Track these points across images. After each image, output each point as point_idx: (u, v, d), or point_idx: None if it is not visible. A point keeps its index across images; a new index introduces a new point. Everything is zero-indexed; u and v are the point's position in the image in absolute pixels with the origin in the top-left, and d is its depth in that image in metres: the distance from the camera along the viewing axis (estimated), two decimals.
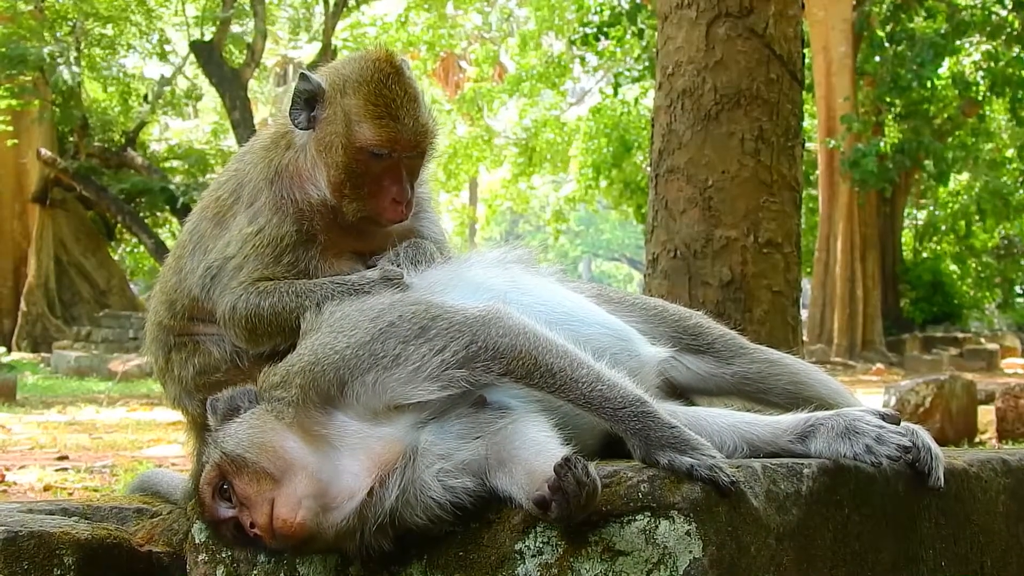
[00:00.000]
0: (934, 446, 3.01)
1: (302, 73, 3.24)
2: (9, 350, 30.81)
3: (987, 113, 36.82)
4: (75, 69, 31.56)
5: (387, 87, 3.16)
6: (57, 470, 8.13)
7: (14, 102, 30.69)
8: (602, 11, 29.11)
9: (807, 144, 20.54)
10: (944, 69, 32.80)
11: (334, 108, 3.17)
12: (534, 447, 2.65)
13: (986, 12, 31.14)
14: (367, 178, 3.16)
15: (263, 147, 3.33)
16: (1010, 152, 40.14)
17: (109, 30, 34.59)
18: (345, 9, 35.64)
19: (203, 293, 3.25)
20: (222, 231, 3.26)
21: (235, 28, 34.37)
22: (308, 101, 3.20)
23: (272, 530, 2.56)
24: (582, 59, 34.84)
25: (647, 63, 31.93)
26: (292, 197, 3.20)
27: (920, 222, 43.86)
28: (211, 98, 40.81)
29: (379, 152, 3.14)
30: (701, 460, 2.55)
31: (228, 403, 2.80)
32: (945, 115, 36.38)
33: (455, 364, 2.68)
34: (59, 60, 30.91)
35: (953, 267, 41.91)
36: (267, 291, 3.13)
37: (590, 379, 2.66)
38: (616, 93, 32.69)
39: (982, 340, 35.44)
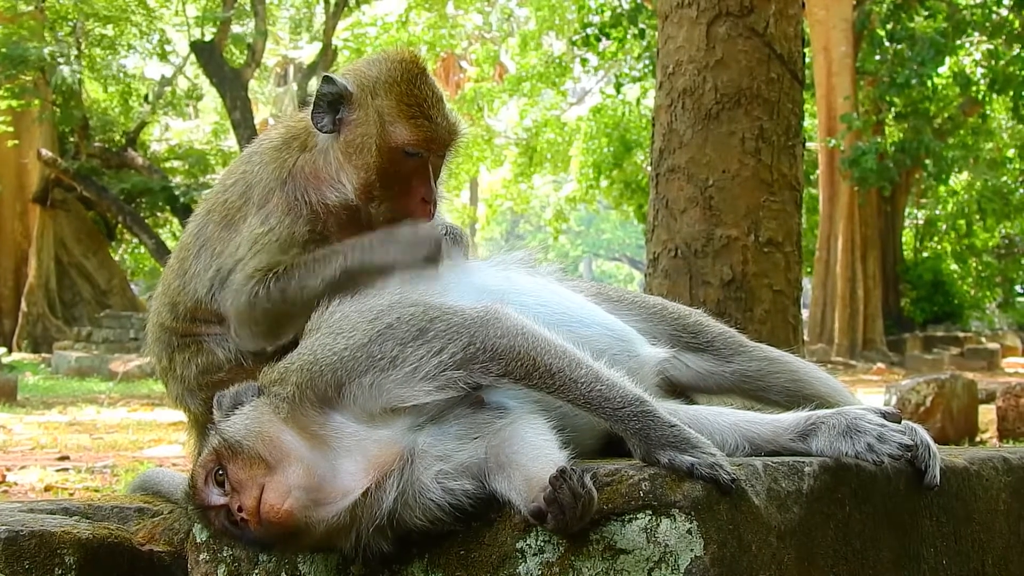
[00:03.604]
0: (933, 445, 3.01)
1: (326, 76, 3.20)
2: (10, 350, 30.83)
3: (988, 112, 36.81)
4: (76, 69, 31.55)
5: (417, 87, 3.18)
6: (58, 470, 8.13)
7: (15, 102, 30.76)
8: (603, 12, 29.08)
9: (808, 144, 20.52)
10: (945, 68, 32.77)
11: (364, 110, 3.15)
12: (532, 451, 2.64)
13: (986, 11, 31.12)
14: (397, 178, 3.16)
15: (273, 148, 3.29)
16: (1011, 152, 40.13)
17: (109, 30, 34.63)
18: (346, 9, 35.66)
19: (209, 296, 3.22)
20: (231, 234, 3.22)
21: (236, 28, 34.41)
22: (332, 104, 3.18)
23: (258, 515, 2.55)
24: (583, 60, 34.85)
25: (648, 62, 31.92)
26: (306, 199, 3.17)
27: (921, 221, 43.82)
28: (211, 98, 40.85)
29: (413, 152, 3.15)
30: (702, 458, 2.54)
31: (234, 398, 2.81)
32: (946, 114, 36.36)
33: (453, 365, 2.67)
34: (60, 60, 30.91)
35: (954, 266, 41.87)
36: (280, 275, 3.10)
37: (589, 379, 2.65)
38: (618, 92, 32.68)
39: (983, 339, 35.40)
